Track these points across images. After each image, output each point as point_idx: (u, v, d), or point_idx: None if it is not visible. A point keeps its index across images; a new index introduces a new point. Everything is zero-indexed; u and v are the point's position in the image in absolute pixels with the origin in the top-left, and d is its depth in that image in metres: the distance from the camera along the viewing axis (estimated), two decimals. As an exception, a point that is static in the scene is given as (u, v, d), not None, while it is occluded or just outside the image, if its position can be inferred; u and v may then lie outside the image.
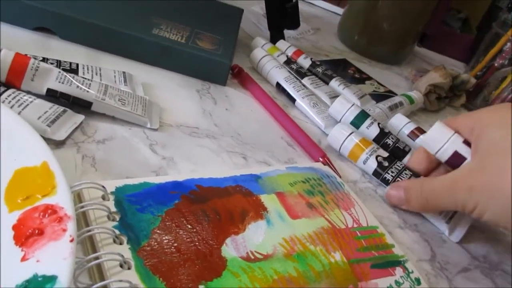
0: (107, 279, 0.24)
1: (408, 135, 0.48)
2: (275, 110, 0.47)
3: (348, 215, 0.36)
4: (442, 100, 0.61)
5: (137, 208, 0.28)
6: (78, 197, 0.28)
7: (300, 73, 0.53)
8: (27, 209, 0.24)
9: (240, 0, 0.63)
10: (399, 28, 0.69)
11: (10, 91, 0.33)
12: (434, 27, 0.80)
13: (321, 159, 0.42)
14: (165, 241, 0.27)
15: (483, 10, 0.87)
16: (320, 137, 0.46)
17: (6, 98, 0.32)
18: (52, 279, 0.21)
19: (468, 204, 0.34)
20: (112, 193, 0.28)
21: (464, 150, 0.38)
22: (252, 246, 0.29)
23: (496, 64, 0.65)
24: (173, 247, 0.27)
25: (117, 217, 0.27)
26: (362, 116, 0.45)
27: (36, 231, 0.23)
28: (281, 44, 0.58)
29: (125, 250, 0.25)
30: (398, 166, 0.42)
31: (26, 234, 0.23)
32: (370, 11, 0.68)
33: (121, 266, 0.24)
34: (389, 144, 0.44)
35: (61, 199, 0.25)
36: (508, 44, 0.63)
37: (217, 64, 0.47)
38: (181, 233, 0.28)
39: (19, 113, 0.32)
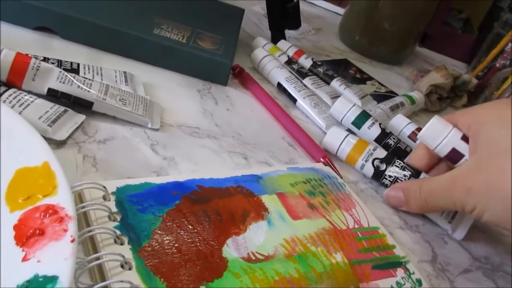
0: (108, 279, 0.23)
1: (408, 136, 0.48)
2: (276, 110, 0.47)
3: (349, 216, 0.36)
4: (443, 100, 0.61)
5: (138, 208, 0.28)
6: (79, 197, 0.28)
7: (301, 73, 0.53)
8: (28, 209, 0.24)
9: (241, 0, 0.63)
10: (400, 28, 0.69)
11: (11, 90, 0.33)
12: (436, 27, 0.80)
13: (322, 160, 0.41)
14: (166, 241, 0.27)
15: (485, 10, 0.87)
16: (321, 138, 0.46)
17: (7, 98, 0.32)
18: (53, 279, 0.21)
19: (467, 205, 0.34)
20: (113, 193, 0.28)
21: (462, 147, 0.37)
22: (253, 246, 0.29)
23: (497, 65, 0.64)
24: (174, 248, 0.27)
25: (118, 218, 0.27)
26: (363, 117, 0.45)
27: (37, 231, 0.23)
28: (282, 44, 0.58)
29: (126, 251, 0.25)
30: (397, 166, 0.41)
31: (27, 234, 0.23)
32: (371, 11, 0.68)
33: (122, 266, 0.24)
34: (391, 144, 0.44)
35: (62, 199, 0.25)
36: (510, 44, 0.63)
37: (218, 64, 0.47)
38: (182, 233, 0.28)
39: (20, 113, 0.32)
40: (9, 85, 0.34)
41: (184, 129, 0.40)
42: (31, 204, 0.25)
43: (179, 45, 0.46)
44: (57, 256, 0.22)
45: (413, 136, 0.47)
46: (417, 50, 0.81)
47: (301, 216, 0.33)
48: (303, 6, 0.61)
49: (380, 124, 0.45)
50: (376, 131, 0.45)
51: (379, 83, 0.62)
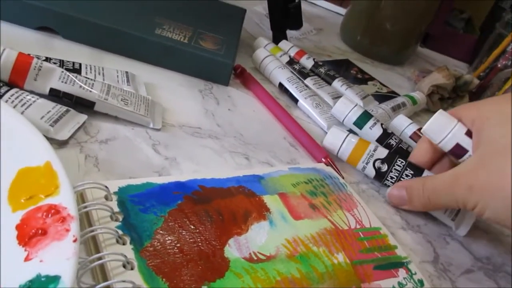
0: (110, 279, 0.23)
1: (410, 137, 0.47)
2: (278, 110, 0.47)
3: (351, 216, 0.36)
4: (445, 101, 0.61)
5: (140, 208, 0.28)
6: (81, 197, 0.28)
7: (302, 74, 0.53)
8: (30, 209, 0.24)
9: (242, 0, 0.63)
10: (402, 29, 0.69)
11: (13, 90, 0.33)
12: (437, 28, 0.80)
13: (323, 160, 0.41)
14: (168, 241, 0.27)
15: (486, 10, 0.86)
16: (322, 138, 0.45)
17: (9, 98, 0.32)
18: (56, 279, 0.21)
19: (469, 202, 0.34)
20: (115, 193, 0.28)
21: (466, 142, 0.37)
22: (255, 247, 0.29)
23: (499, 65, 0.64)
24: (176, 248, 0.27)
25: (120, 217, 0.27)
26: (365, 117, 0.45)
27: (40, 231, 0.23)
28: (283, 44, 0.58)
29: (128, 251, 0.25)
30: (399, 165, 0.41)
31: (29, 234, 0.23)
32: (372, 11, 0.68)
33: (124, 266, 0.24)
34: (392, 145, 0.44)
35: (64, 199, 0.25)
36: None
37: (219, 64, 0.47)
38: (184, 233, 0.28)
39: (22, 113, 0.32)
40: (11, 85, 0.34)
41: (186, 129, 0.40)
42: (33, 204, 0.25)
43: (181, 45, 0.46)
44: (59, 256, 0.22)
45: (414, 136, 0.47)
46: (419, 50, 0.81)
47: (303, 216, 0.33)
48: (304, 6, 0.61)
49: (381, 124, 0.45)
50: (377, 131, 0.45)
51: (381, 83, 0.62)
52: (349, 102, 0.46)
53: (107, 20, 0.44)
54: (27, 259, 0.22)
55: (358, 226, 0.35)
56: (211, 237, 0.28)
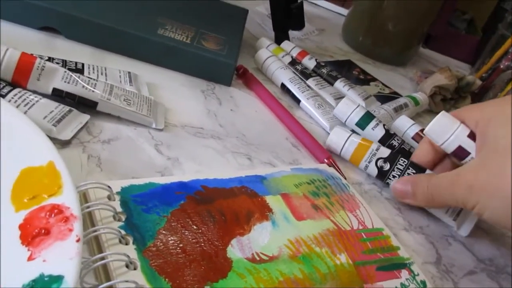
0: (113, 279, 0.23)
1: (412, 137, 0.47)
2: (280, 111, 0.47)
3: (354, 217, 0.36)
4: (447, 101, 0.61)
5: (142, 208, 0.28)
6: (84, 197, 0.28)
7: (305, 74, 0.53)
8: (34, 209, 0.24)
9: (245, 0, 0.63)
10: (404, 29, 0.69)
11: (16, 90, 0.33)
12: (439, 28, 0.80)
13: (326, 160, 0.41)
14: (170, 241, 0.27)
15: (489, 11, 0.86)
16: (325, 138, 0.45)
17: (12, 98, 0.32)
18: (59, 279, 0.21)
19: (469, 202, 0.34)
20: (117, 193, 0.28)
21: (468, 145, 0.37)
22: (257, 247, 0.29)
23: (501, 66, 0.64)
24: (178, 248, 0.27)
25: (123, 217, 0.27)
26: (367, 118, 0.45)
27: (43, 231, 0.23)
28: (285, 45, 0.58)
29: (131, 251, 0.25)
30: (402, 164, 0.41)
31: (33, 234, 0.23)
32: (375, 11, 0.68)
33: (127, 266, 0.24)
34: (395, 145, 0.44)
35: (67, 199, 0.25)
36: (514, 45, 0.63)
37: (222, 64, 0.47)
38: (186, 233, 0.28)
39: (25, 113, 0.32)
40: (14, 85, 0.34)
41: (188, 130, 0.40)
42: (36, 204, 0.25)
43: (183, 46, 0.46)
44: (63, 255, 0.22)
45: (417, 137, 0.47)
46: (421, 51, 0.81)
47: (305, 217, 0.33)
48: (306, 7, 0.61)
49: (384, 125, 0.45)
50: (380, 132, 0.45)
51: (383, 84, 0.62)
52: (351, 103, 0.46)
53: (110, 20, 0.45)
54: (30, 258, 0.22)
55: (360, 227, 0.35)
56: (214, 238, 0.28)
